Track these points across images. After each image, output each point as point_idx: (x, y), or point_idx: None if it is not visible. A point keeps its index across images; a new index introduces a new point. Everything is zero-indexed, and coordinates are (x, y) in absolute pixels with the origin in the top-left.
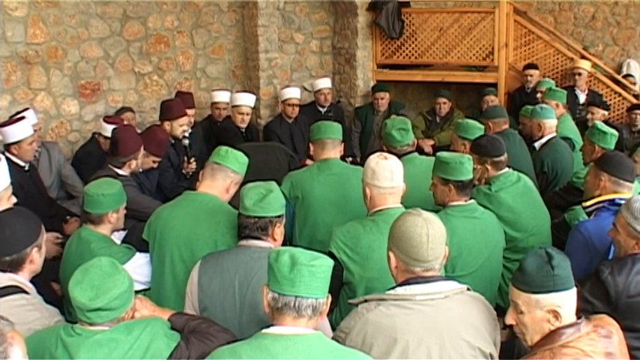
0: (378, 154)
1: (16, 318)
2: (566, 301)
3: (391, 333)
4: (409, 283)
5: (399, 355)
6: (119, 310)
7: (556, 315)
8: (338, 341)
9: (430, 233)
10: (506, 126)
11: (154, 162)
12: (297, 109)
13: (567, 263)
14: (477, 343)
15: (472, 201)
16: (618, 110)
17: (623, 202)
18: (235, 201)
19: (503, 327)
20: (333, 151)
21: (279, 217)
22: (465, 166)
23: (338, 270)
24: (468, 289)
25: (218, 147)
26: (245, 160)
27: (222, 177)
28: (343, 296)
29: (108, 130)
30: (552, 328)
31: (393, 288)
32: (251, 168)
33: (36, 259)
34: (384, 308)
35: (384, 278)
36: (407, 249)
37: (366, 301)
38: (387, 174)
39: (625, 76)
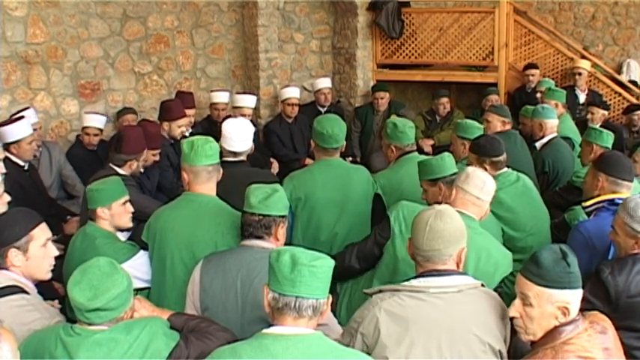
0: (476, 167)
1: (16, 318)
2: (576, 299)
3: (402, 323)
4: (424, 276)
5: (408, 345)
6: (118, 310)
7: (565, 312)
8: (351, 332)
9: (431, 224)
10: (509, 126)
11: (153, 155)
12: (296, 108)
13: (577, 263)
14: (488, 338)
15: None
16: (618, 110)
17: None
18: (234, 199)
19: None
20: (336, 154)
21: (282, 217)
22: (447, 161)
23: (384, 237)
24: (482, 285)
25: (199, 146)
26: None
27: (217, 175)
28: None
29: (86, 120)
30: (557, 324)
31: (408, 280)
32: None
33: (17, 261)
34: (398, 299)
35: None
36: (412, 234)
37: (380, 291)
38: (479, 183)
39: (631, 82)
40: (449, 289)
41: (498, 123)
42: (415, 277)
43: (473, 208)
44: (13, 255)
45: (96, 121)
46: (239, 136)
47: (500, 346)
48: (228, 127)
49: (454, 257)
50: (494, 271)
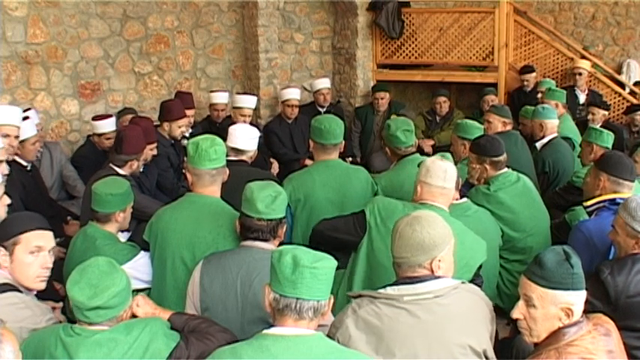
0: (435, 156)
1: (7, 316)
2: (579, 300)
3: (378, 332)
4: (398, 284)
5: (385, 353)
6: (117, 308)
7: (568, 313)
8: (329, 335)
9: (401, 231)
10: (510, 127)
11: (151, 150)
12: (296, 110)
13: (580, 264)
14: (469, 340)
15: (464, 199)
16: (618, 110)
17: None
18: (234, 199)
19: (507, 323)
20: (334, 153)
21: (285, 217)
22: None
23: (360, 230)
24: (463, 283)
25: (203, 149)
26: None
27: (221, 178)
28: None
29: (99, 127)
30: (561, 325)
31: (384, 287)
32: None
33: (3, 261)
34: (375, 307)
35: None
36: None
37: (360, 296)
38: (441, 173)
39: (636, 84)
40: (424, 295)
41: (499, 123)
42: (391, 285)
43: (441, 199)
44: (1, 254)
45: (110, 125)
46: (243, 133)
47: (484, 346)
48: (235, 126)
49: (425, 266)
50: (468, 260)
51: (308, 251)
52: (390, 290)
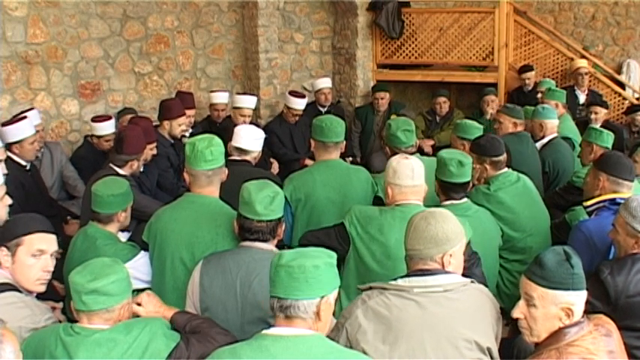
0: (399, 155)
1: (6, 316)
2: (580, 300)
3: (387, 322)
4: (409, 276)
5: (392, 343)
6: (115, 297)
7: (568, 313)
8: (338, 327)
9: (415, 224)
10: (521, 127)
11: (151, 150)
12: (298, 117)
13: (581, 264)
14: (475, 336)
15: (465, 199)
16: (618, 110)
17: (623, 201)
18: (234, 199)
19: (506, 323)
20: (335, 152)
21: (283, 215)
22: (466, 169)
23: (343, 246)
24: (472, 282)
25: (199, 150)
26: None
27: (219, 178)
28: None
29: (99, 129)
30: (561, 325)
31: (395, 279)
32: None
33: (5, 262)
34: (385, 297)
35: (385, 263)
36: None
37: (370, 288)
38: (409, 172)
39: None
40: (434, 288)
41: (510, 124)
42: (402, 277)
43: (413, 196)
44: (3, 254)
45: (110, 127)
46: (248, 134)
47: (489, 344)
48: (241, 126)
49: (436, 259)
50: None
51: (297, 250)
52: (400, 282)
